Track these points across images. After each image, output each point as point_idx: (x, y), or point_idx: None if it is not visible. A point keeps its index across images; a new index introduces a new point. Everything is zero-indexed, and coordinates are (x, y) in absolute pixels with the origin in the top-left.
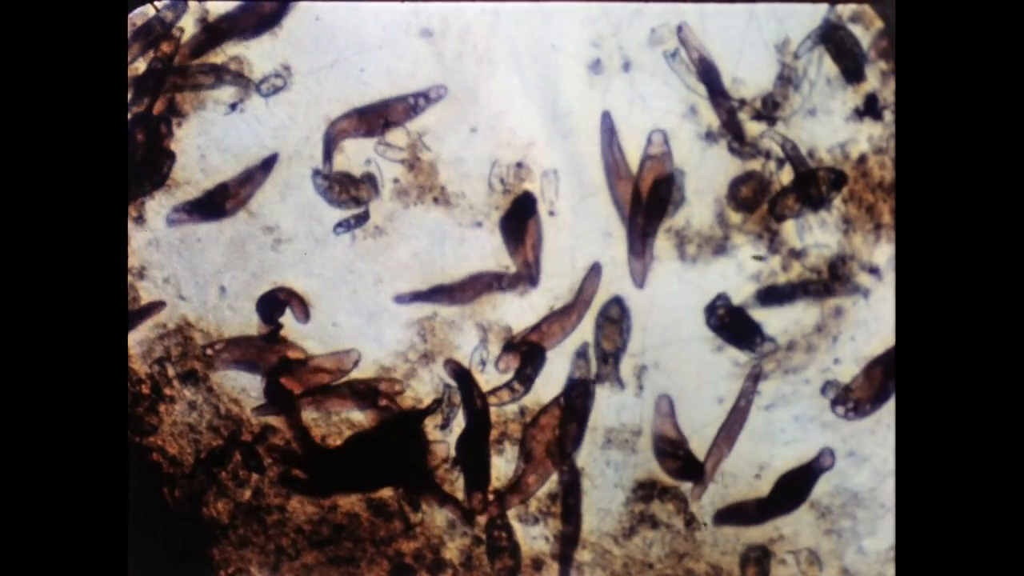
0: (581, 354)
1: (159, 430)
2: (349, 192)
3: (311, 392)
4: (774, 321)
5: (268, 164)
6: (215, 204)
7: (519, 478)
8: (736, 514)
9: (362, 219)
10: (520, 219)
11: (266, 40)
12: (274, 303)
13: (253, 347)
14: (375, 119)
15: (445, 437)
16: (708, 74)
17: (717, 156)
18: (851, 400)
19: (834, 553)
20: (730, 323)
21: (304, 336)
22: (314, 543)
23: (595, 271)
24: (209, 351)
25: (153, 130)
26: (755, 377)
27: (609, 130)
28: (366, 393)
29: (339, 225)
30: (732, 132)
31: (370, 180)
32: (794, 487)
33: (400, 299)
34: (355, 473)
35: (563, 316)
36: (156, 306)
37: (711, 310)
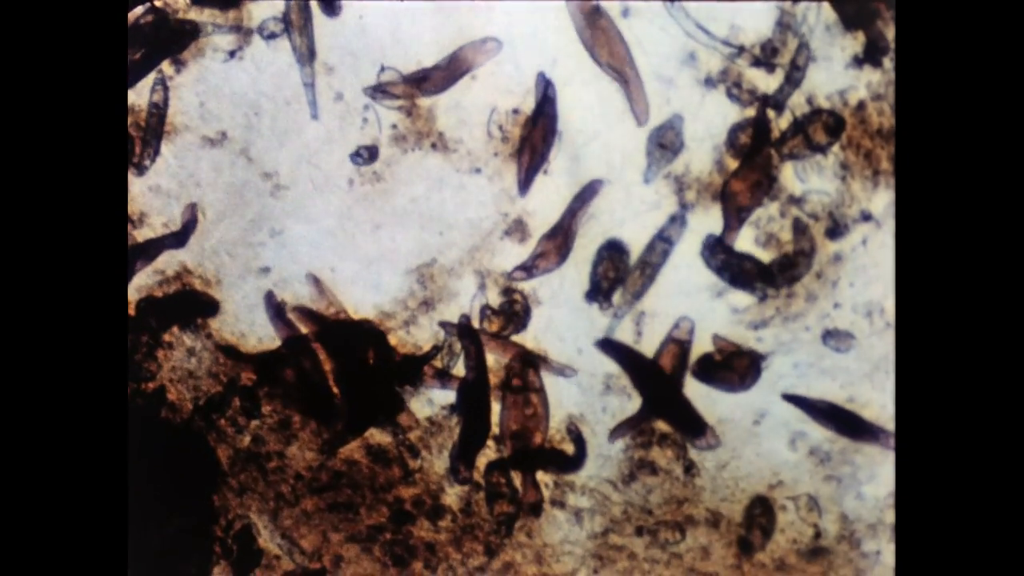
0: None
1: (157, 376)
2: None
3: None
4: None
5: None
6: None
7: None
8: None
9: (374, 152)
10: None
11: None
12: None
13: None
14: None
15: (443, 388)
16: None
17: (716, 102)
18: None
19: (833, 499)
20: (729, 263)
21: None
22: (313, 489)
23: (592, 187)
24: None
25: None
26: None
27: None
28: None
29: (355, 155)
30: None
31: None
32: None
33: None
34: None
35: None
36: None
37: (710, 251)
